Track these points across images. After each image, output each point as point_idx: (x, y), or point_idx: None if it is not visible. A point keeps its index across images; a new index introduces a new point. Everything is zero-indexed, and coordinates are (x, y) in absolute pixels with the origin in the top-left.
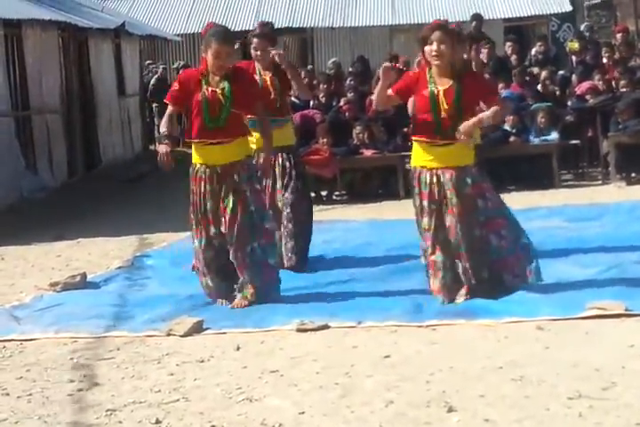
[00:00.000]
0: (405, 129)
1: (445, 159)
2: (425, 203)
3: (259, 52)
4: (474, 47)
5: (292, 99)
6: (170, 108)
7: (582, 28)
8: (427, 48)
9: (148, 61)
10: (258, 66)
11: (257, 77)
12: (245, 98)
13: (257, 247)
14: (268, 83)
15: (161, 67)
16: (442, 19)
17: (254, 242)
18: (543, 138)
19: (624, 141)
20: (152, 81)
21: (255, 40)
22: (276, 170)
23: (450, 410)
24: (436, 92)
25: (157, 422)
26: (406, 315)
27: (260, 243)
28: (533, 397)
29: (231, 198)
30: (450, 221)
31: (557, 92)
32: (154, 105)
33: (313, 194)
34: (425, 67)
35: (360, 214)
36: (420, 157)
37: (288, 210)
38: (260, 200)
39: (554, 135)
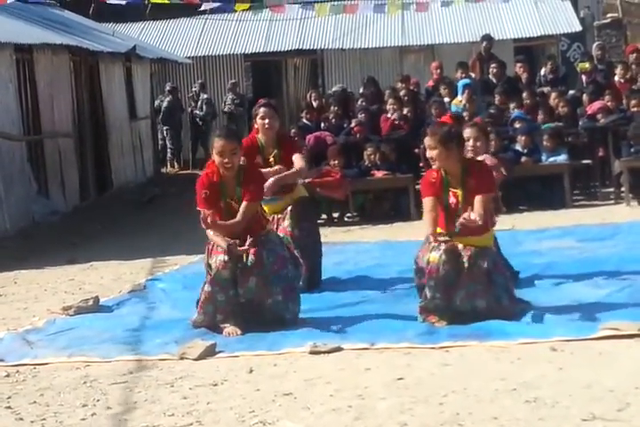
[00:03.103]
0: (417, 150)
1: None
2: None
3: (267, 120)
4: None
5: (304, 120)
6: (208, 214)
7: (594, 47)
8: (427, 153)
9: (169, 83)
10: (261, 141)
11: (259, 157)
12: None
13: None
14: (272, 161)
15: (170, 86)
16: (445, 116)
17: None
18: (552, 159)
19: (637, 166)
20: (164, 104)
21: (262, 109)
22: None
23: None
24: (449, 203)
25: None
26: (419, 336)
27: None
28: (547, 419)
29: None
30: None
31: (568, 112)
32: (165, 128)
33: (324, 216)
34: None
35: (371, 236)
36: None
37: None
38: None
39: (563, 156)
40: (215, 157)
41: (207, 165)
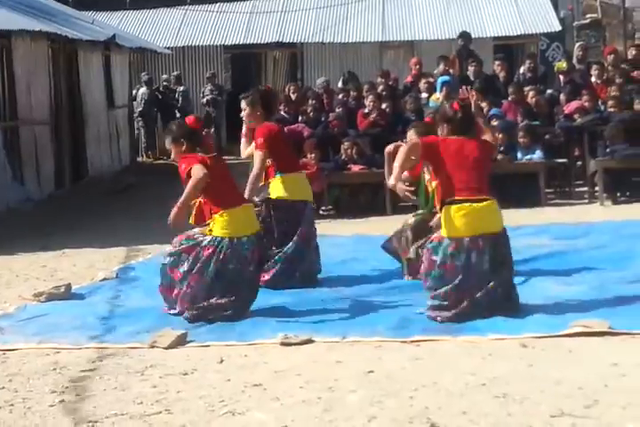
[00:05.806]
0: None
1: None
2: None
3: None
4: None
5: (282, 113)
6: None
7: (576, 47)
8: None
9: (144, 73)
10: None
11: None
12: None
13: None
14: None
15: (145, 77)
16: None
17: None
18: (528, 157)
19: (612, 166)
20: (145, 96)
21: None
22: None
23: None
24: None
25: None
26: (391, 330)
27: None
28: (516, 414)
29: None
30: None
31: (545, 111)
32: (139, 120)
33: None
34: None
35: (346, 230)
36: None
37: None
38: None
39: (538, 153)
40: None
41: None
